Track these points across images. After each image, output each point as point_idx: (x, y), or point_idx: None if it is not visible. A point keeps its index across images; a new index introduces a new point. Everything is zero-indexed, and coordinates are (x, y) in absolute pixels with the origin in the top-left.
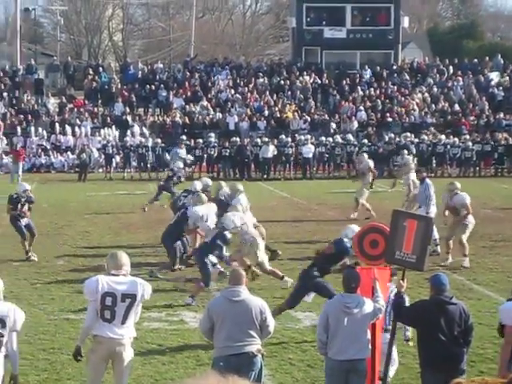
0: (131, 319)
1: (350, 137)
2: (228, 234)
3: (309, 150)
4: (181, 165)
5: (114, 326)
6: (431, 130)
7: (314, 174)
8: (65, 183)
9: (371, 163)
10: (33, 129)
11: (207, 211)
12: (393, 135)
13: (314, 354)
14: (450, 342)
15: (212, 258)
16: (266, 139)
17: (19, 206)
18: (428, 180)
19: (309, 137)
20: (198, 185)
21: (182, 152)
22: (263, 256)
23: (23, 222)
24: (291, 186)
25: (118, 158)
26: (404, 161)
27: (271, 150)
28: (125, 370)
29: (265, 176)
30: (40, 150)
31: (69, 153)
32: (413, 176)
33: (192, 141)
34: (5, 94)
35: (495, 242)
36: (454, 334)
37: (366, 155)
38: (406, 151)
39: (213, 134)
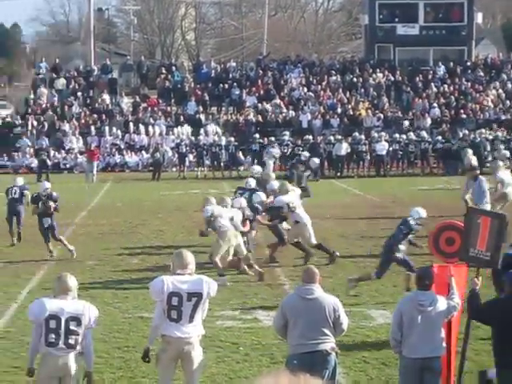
0: (198, 317)
1: (423, 134)
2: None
3: (382, 148)
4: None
5: (182, 326)
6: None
7: (388, 171)
8: (139, 182)
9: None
10: (107, 128)
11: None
12: (467, 132)
13: (388, 352)
14: None
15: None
16: (339, 137)
17: (40, 204)
18: (481, 177)
19: (383, 134)
20: (252, 182)
21: (275, 151)
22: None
23: (46, 222)
24: (365, 183)
25: (191, 157)
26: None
27: (344, 148)
28: (195, 370)
29: (338, 174)
30: (114, 150)
31: (143, 152)
32: (502, 174)
33: (265, 139)
34: (79, 94)
35: None
36: None
37: (470, 151)
38: (469, 150)
39: (287, 132)
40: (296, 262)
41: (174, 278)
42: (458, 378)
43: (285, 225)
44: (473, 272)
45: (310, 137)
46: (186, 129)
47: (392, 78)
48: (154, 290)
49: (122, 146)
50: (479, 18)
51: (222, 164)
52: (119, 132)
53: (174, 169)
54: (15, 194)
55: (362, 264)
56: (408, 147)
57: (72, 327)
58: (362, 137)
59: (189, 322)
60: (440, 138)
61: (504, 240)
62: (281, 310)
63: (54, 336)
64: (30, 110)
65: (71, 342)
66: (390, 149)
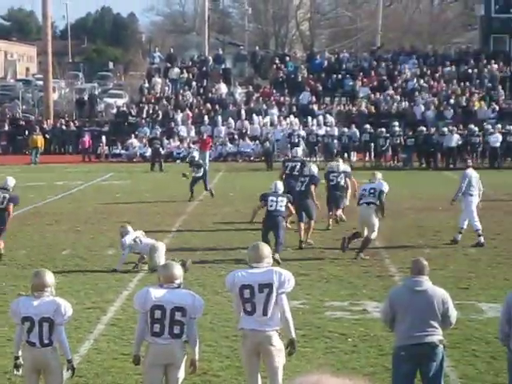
0: (273, 310)
1: None
2: None
3: (496, 140)
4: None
5: (256, 318)
6: None
7: (502, 163)
8: (252, 172)
9: None
10: (220, 118)
11: None
12: None
13: (498, 345)
14: None
15: None
16: (449, 128)
17: None
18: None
19: (497, 126)
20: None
21: None
22: None
23: None
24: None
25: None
26: None
27: (455, 139)
28: (274, 364)
29: (450, 165)
30: (227, 139)
31: (257, 141)
32: None
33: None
34: (193, 84)
35: None
36: None
37: None
38: None
39: (396, 123)
40: (406, 255)
41: (245, 271)
42: None
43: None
44: None
45: (424, 128)
46: (298, 119)
47: (507, 70)
48: (227, 283)
49: (236, 136)
50: None
51: (334, 155)
52: (232, 121)
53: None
54: None
55: (475, 256)
56: None
57: (177, 317)
58: (476, 128)
59: (263, 315)
60: None
61: None
62: (389, 302)
63: (158, 326)
64: (144, 100)
65: (176, 331)
66: (504, 141)
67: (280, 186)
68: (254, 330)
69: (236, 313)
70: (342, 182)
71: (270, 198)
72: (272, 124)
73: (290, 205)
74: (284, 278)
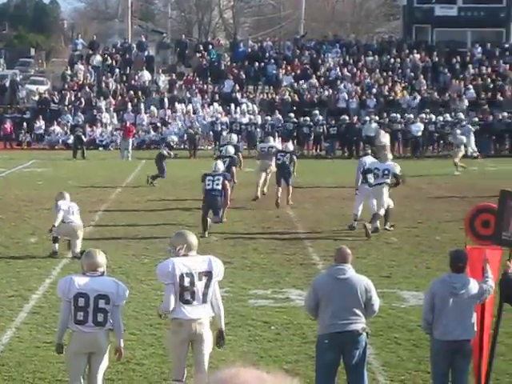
0: (210, 299)
1: (460, 115)
2: None
3: (418, 129)
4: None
5: (195, 307)
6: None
7: (424, 153)
8: (176, 160)
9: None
10: (142, 105)
11: None
12: (506, 114)
13: (420, 333)
14: None
15: None
16: (370, 117)
17: None
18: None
19: (422, 115)
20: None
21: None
22: None
23: None
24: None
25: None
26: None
27: (374, 128)
28: (203, 352)
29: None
30: (150, 127)
31: (179, 128)
32: None
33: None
34: (116, 71)
35: None
36: None
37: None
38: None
39: (317, 112)
40: (329, 243)
41: (181, 260)
42: (490, 360)
43: None
44: (506, 255)
45: (346, 117)
46: (221, 107)
47: (429, 60)
48: (163, 273)
49: (158, 124)
50: None
51: (257, 143)
52: (155, 109)
53: (210, 147)
54: None
55: (396, 245)
56: (444, 129)
57: (101, 305)
58: (398, 116)
59: (202, 303)
60: (477, 119)
61: None
62: (312, 290)
63: (82, 314)
64: (66, 87)
65: (100, 319)
66: (426, 130)
67: (220, 165)
68: (191, 319)
69: (168, 302)
70: (288, 162)
71: (208, 177)
72: (195, 112)
73: (226, 182)
74: (219, 267)
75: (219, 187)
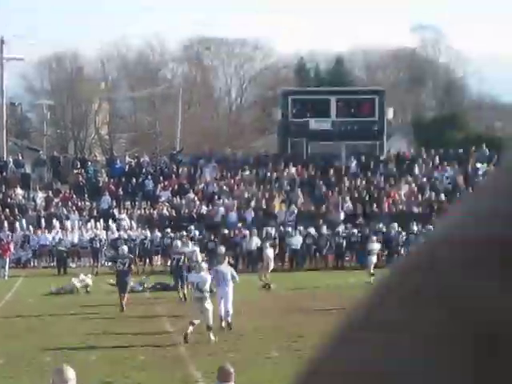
0: None
1: (338, 228)
2: None
3: (297, 242)
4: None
5: None
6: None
7: (302, 265)
8: (51, 277)
9: None
10: (17, 224)
11: None
12: (381, 225)
13: None
14: None
15: None
16: (251, 231)
17: None
18: None
19: (299, 228)
20: None
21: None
22: None
23: None
24: (279, 277)
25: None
26: None
27: (255, 242)
28: None
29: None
30: (26, 244)
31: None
32: None
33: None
34: None
35: None
36: None
37: None
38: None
39: (192, 227)
40: (211, 360)
41: None
42: None
43: None
44: None
45: (226, 230)
46: (101, 223)
47: (305, 173)
48: None
49: (34, 243)
50: (390, 113)
51: (136, 259)
52: (31, 227)
53: (88, 264)
54: None
55: (277, 360)
56: (320, 241)
57: None
58: (272, 231)
59: None
60: (356, 231)
61: None
62: None
63: None
64: None
65: None
66: (304, 243)
67: None
68: None
69: None
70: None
71: None
72: (73, 229)
73: None
74: None
75: None
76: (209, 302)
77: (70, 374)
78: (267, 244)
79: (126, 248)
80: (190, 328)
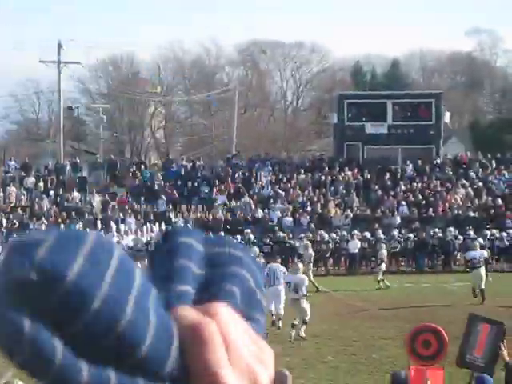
0: None
1: (394, 232)
2: None
3: (355, 246)
4: None
5: None
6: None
7: (358, 269)
8: None
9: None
10: (76, 226)
11: None
12: (437, 230)
13: None
14: None
15: None
16: (305, 235)
17: None
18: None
19: (355, 232)
20: None
21: None
22: None
23: None
24: (334, 281)
25: None
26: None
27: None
28: None
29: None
30: None
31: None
32: None
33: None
34: (51, 193)
35: None
36: None
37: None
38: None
39: (249, 231)
40: None
41: None
42: None
43: None
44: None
45: (282, 234)
46: (156, 227)
47: (361, 177)
48: None
49: None
50: (447, 117)
51: None
52: (88, 230)
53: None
54: None
55: (333, 364)
56: (377, 245)
57: None
58: (326, 235)
59: None
60: (412, 235)
61: (500, 348)
62: None
63: None
64: None
65: None
66: (360, 247)
67: None
68: None
69: None
70: None
71: None
72: (129, 232)
73: None
74: None
75: None
76: (305, 302)
77: None
78: (307, 242)
79: None
80: (294, 331)
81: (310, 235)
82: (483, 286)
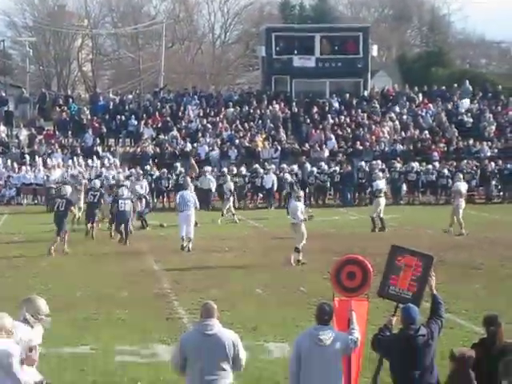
0: None
1: (323, 165)
2: None
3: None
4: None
5: None
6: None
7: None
8: (36, 215)
9: None
10: (0, 160)
11: None
12: (363, 163)
13: None
14: (422, 373)
15: None
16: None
17: None
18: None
19: (284, 166)
20: None
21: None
22: None
23: None
24: (261, 214)
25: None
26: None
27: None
28: None
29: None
30: (9, 183)
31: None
32: None
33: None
34: None
35: (466, 270)
36: (425, 364)
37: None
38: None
39: (178, 164)
40: (194, 296)
41: None
42: None
43: None
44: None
45: (209, 168)
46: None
47: (289, 110)
48: None
49: (17, 182)
50: (374, 50)
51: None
52: (15, 164)
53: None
54: None
55: (262, 297)
56: (309, 179)
57: None
58: (261, 170)
59: None
60: (338, 168)
61: (427, 281)
62: (179, 347)
63: None
64: None
65: None
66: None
67: None
68: None
69: None
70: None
71: None
72: (59, 166)
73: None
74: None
75: None
76: (303, 226)
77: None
78: (228, 178)
79: (98, 182)
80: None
81: (235, 169)
82: (382, 215)
